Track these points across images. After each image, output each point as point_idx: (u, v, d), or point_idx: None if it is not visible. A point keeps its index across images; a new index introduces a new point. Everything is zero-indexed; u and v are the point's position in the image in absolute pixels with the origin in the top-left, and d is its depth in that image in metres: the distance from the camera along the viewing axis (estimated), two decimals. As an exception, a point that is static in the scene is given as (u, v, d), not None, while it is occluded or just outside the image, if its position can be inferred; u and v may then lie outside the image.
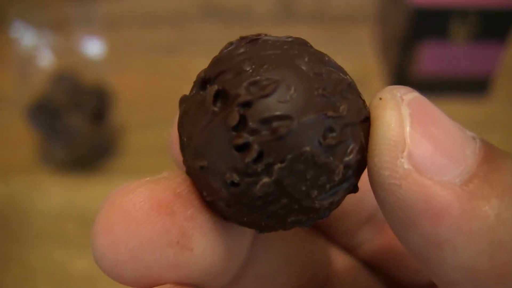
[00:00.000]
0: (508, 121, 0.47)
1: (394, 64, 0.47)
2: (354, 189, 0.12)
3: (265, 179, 0.10)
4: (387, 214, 0.11)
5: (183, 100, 0.12)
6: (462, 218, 0.10)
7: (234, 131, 0.10)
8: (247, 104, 0.10)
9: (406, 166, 0.10)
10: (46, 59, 0.45)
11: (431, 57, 0.45)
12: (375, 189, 0.11)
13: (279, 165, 0.10)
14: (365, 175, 0.12)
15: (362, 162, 0.11)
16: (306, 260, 0.16)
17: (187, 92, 0.12)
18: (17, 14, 0.45)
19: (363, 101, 0.12)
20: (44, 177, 0.42)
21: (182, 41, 0.54)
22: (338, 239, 0.18)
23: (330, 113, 0.10)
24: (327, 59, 0.11)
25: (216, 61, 0.11)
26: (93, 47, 0.45)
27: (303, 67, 0.11)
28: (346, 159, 0.11)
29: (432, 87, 0.47)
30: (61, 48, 0.45)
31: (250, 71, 0.11)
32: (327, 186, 0.11)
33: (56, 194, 0.41)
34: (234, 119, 0.10)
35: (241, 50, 0.11)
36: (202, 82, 0.11)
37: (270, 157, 0.10)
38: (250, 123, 0.10)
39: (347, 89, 0.11)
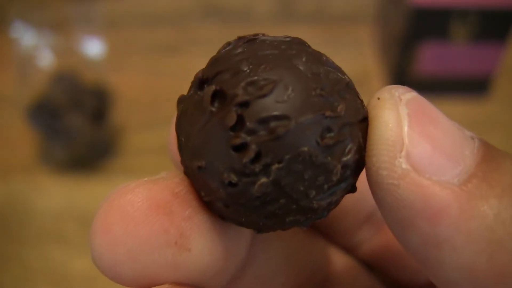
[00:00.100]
0: (508, 121, 0.46)
1: (394, 64, 0.47)
2: (352, 189, 0.12)
3: (263, 179, 0.10)
4: (385, 214, 0.11)
5: (181, 100, 0.12)
6: (460, 218, 0.10)
7: (231, 131, 0.10)
8: (244, 104, 0.10)
9: (404, 166, 0.10)
10: (46, 59, 0.45)
11: (431, 57, 0.45)
12: (373, 189, 0.11)
13: (277, 165, 0.10)
14: (363, 175, 0.12)
15: (360, 162, 0.11)
16: (304, 260, 0.16)
17: (187, 92, 0.12)
18: (17, 14, 0.45)
19: (361, 101, 0.12)
20: (44, 177, 0.42)
21: (182, 41, 0.54)
22: (337, 239, 0.18)
23: (328, 113, 0.10)
24: (324, 59, 0.11)
25: (213, 61, 0.11)
26: (93, 47, 0.45)
27: (301, 67, 0.11)
28: (344, 159, 0.11)
29: (432, 87, 0.47)
30: (61, 48, 0.45)
31: (248, 71, 0.11)
32: (325, 186, 0.11)
33: (56, 194, 0.41)
34: (232, 119, 0.10)
35: (239, 50, 0.11)
36: (200, 82, 0.11)
37: (268, 157, 0.10)
38: (248, 123, 0.10)
39: (345, 89, 0.11)
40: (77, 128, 0.41)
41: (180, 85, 0.18)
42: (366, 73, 0.50)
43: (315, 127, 0.10)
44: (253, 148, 0.10)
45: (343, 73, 0.12)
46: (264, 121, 0.10)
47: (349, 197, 0.12)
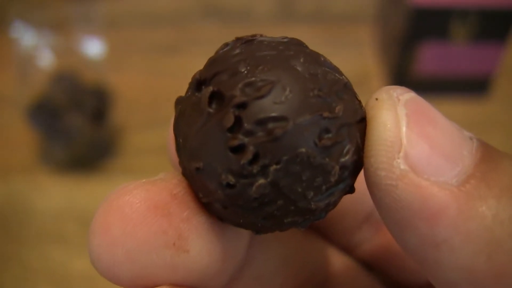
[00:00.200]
0: (508, 121, 0.46)
1: (394, 64, 0.47)
2: (351, 190, 0.12)
3: (261, 181, 0.10)
4: (383, 215, 0.11)
5: (179, 101, 0.12)
6: (459, 219, 0.10)
7: (229, 133, 0.10)
8: (242, 105, 0.10)
9: (402, 166, 0.10)
10: (46, 59, 0.45)
11: (431, 57, 0.45)
12: (372, 189, 0.11)
13: (274, 166, 0.10)
14: (361, 175, 0.12)
15: (358, 163, 0.11)
16: (303, 261, 0.16)
17: (185, 92, 0.12)
18: (17, 14, 0.45)
19: (359, 101, 0.12)
20: (44, 177, 0.42)
21: (182, 41, 0.54)
22: (336, 240, 0.18)
23: (325, 114, 0.10)
24: (322, 59, 0.11)
25: (211, 62, 0.11)
26: (93, 47, 0.45)
27: (299, 68, 0.11)
28: (342, 160, 0.11)
29: (432, 87, 0.47)
30: (61, 48, 0.45)
31: (245, 72, 0.11)
32: (323, 187, 0.11)
33: (56, 194, 0.41)
34: (229, 120, 0.10)
35: (237, 51, 0.11)
36: (198, 83, 0.11)
37: (265, 159, 0.10)
38: (246, 125, 0.10)
39: (343, 89, 0.11)
40: (77, 128, 0.41)
41: (180, 85, 0.18)
42: (366, 73, 0.50)
43: (313, 128, 0.10)
44: (251, 149, 0.10)
45: (341, 73, 0.11)
46: (261, 122, 0.10)
47: (347, 198, 0.12)
